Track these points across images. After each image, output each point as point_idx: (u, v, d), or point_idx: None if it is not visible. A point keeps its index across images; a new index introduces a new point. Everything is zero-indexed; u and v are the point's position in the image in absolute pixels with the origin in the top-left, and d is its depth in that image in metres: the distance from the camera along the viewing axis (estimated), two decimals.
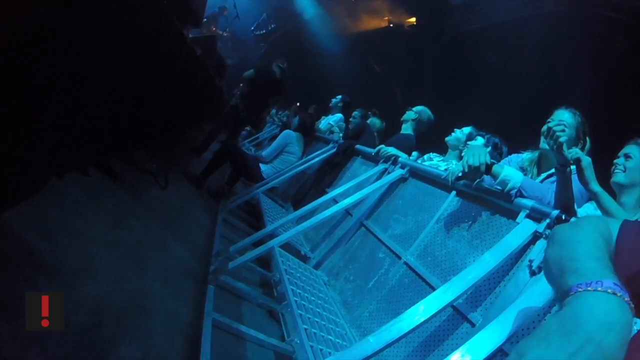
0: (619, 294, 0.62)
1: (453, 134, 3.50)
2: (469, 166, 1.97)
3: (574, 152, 1.70)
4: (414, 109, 4.30)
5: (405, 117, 4.32)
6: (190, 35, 3.95)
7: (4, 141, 1.54)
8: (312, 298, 2.48)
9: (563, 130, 1.67)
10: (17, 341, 1.36)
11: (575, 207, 1.78)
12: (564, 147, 1.67)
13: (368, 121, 5.52)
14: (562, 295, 0.69)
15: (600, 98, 4.92)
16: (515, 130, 2.66)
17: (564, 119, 2.08)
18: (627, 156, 2.00)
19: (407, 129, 4.27)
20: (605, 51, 5.47)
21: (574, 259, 0.73)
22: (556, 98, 2.26)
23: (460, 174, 2.06)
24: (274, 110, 8.90)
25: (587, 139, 2.16)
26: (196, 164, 5.25)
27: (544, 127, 1.80)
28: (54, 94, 1.83)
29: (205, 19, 6.86)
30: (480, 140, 3.17)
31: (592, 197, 1.78)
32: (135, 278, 2.20)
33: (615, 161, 2.04)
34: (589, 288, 0.64)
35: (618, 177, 1.98)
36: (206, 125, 6.59)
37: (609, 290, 0.63)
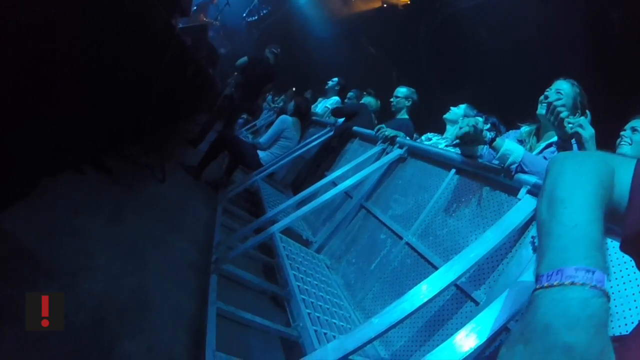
0: (579, 283, 0.55)
1: (450, 111, 3.46)
2: (464, 132, 1.94)
3: (576, 122, 1.66)
4: (399, 94, 4.27)
5: (396, 105, 4.29)
6: (180, 25, 3.88)
7: None
8: (315, 282, 2.47)
9: (563, 106, 1.63)
10: (20, 342, 1.36)
11: None
12: (565, 122, 1.63)
13: (364, 101, 5.46)
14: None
15: (597, 73, 4.85)
16: (512, 108, 2.61)
17: (562, 89, 2.06)
18: (633, 129, 1.98)
19: (403, 114, 4.24)
20: (600, 25, 5.37)
21: (564, 224, 0.63)
22: (553, 75, 2.21)
23: (457, 141, 2.02)
24: (269, 97, 8.80)
25: (588, 112, 2.11)
26: (193, 155, 5.21)
27: (542, 96, 1.75)
28: (44, 93, 1.78)
29: (194, 8, 6.73)
30: (478, 117, 3.12)
31: None
32: (136, 274, 2.19)
33: (621, 133, 2.01)
34: (546, 284, 0.58)
35: (624, 149, 1.95)
36: (201, 116, 6.53)
37: (567, 282, 0.56)
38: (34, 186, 2.07)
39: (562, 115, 1.62)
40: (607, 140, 2.00)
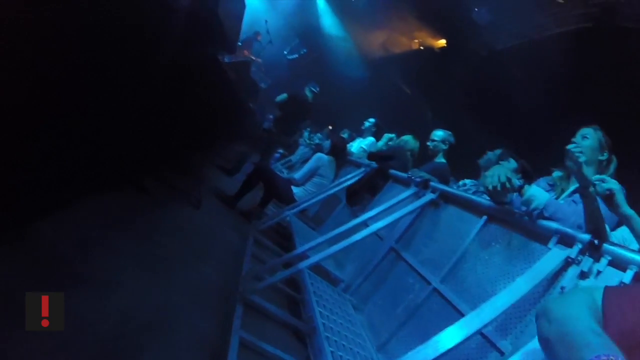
0: None
1: (485, 156, 3.51)
2: (487, 187, 2.01)
3: (602, 181, 1.69)
4: (436, 137, 4.35)
5: (433, 149, 4.37)
6: (226, 60, 4.21)
7: (44, 157, 1.72)
8: (340, 321, 2.51)
9: (581, 152, 1.68)
10: (42, 346, 1.44)
11: (608, 229, 1.76)
12: (583, 168, 1.67)
13: (402, 139, 5.55)
14: None
15: (632, 113, 4.79)
16: (547, 150, 2.67)
17: (587, 134, 2.19)
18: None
19: (439, 158, 4.32)
20: (636, 66, 5.33)
21: (581, 334, 0.80)
22: (588, 115, 2.30)
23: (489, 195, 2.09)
24: (306, 133, 9.09)
25: (614, 157, 2.16)
26: (228, 184, 5.43)
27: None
28: (93, 114, 2.02)
29: (239, 44, 7.20)
30: (512, 163, 3.16)
31: (624, 221, 1.76)
32: (163, 293, 2.28)
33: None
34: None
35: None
36: (238, 147, 6.83)
37: None
38: (77, 199, 2.26)
39: (580, 159, 1.67)
40: None
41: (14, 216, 1.72)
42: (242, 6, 4.24)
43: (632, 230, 1.75)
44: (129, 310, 1.93)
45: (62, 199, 2.15)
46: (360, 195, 4.48)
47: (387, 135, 6.20)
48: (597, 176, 1.74)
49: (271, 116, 7.07)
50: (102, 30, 1.75)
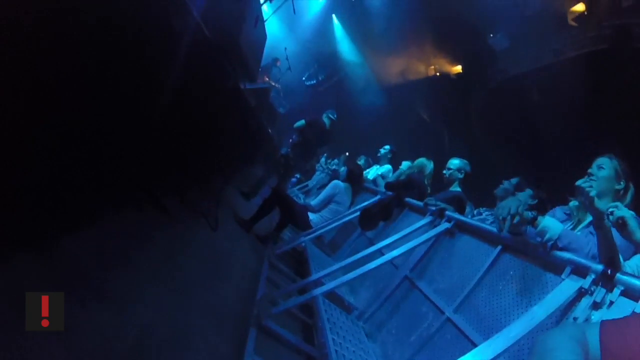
0: None
1: (501, 185, 3.53)
2: (500, 219, 2.04)
3: (613, 208, 1.71)
4: (452, 166, 4.39)
5: (449, 178, 4.41)
6: (247, 87, 4.38)
7: (70, 173, 1.84)
8: (353, 349, 2.52)
9: (591, 186, 1.71)
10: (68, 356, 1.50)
11: (622, 259, 1.77)
12: (595, 202, 1.70)
13: (418, 162, 5.58)
14: None
15: None
16: (564, 177, 2.69)
17: (603, 164, 2.21)
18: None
19: (455, 186, 4.34)
20: None
21: None
22: (606, 138, 2.34)
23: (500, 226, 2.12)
24: (323, 159, 9.24)
25: (631, 185, 2.17)
26: (245, 207, 5.54)
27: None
28: (121, 136, 2.15)
29: (259, 69, 7.46)
30: (528, 192, 3.17)
31: (638, 248, 1.77)
32: (179, 313, 2.35)
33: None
34: None
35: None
36: (256, 170, 6.99)
37: None
38: (98, 214, 2.36)
39: (591, 194, 1.69)
40: None
41: (38, 229, 1.80)
42: (264, 36, 4.44)
43: None
44: (146, 327, 1.99)
45: (85, 215, 2.24)
46: (375, 220, 4.52)
47: (405, 164, 6.22)
48: (611, 204, 1.76)
49: (290, 141, 7.24)
50: (136, 58, 1.90)
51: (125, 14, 1.62)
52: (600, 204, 1.71)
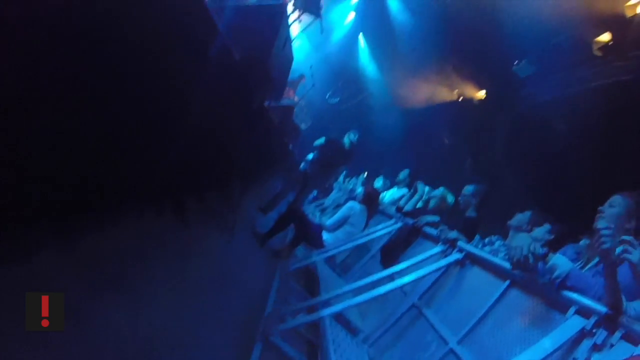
0: None
1: (515, 217, 3.56)
2: (514, 261, 2.11)
3: (626, 247, 1.74)
4: (467, 192, 4.45)
5: (464, 204, 4.47)
6: (273, 104, 4.56)
7: (96, 172, 1.97)
8: None
9: (609, 236, 1.73)
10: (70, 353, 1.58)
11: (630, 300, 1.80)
12: (609, 251, 1.73)
13: (436, 192, 5.61)
14: None
15: None
16: (587, 209, 2.74)
17: (615, 202, 2.26)
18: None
19: (470, 212, 4.39)
20: None
21: None
22: (629, 172, 2.38)
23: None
24: (341, 178, 9.35)
25: None
26: (262, 220, 5.65)
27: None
28: (153, 140, 2.30)
29: (285, 88, 7.66)
30: (546, 227, 3.20)
31: None
32: (191, 318, 2.44)
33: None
34: None
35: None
36: (275, 185, 7.13)
37: None
38: (122, 213, 2.47)
39: (605, 246, 1.73)
40: None
41: (63, 226, 1.92)
42: (291, 58, 4.62)
43: None
44: (158, 328, 2.10)
45: (108, 215, 2.36)
46: (395, 255, 4.57)
47: (423, 189, 6.20)
48: (624, 245, 1.75)
49: (309, 158, 7.37)
50: (171, 80, 2.05)
51: (161, 37, 1.76)
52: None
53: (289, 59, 4.60)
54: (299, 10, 4.68)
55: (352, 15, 12.82)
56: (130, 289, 2.14)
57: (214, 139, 3.06)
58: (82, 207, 2.05)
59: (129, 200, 2.52)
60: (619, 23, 6.17)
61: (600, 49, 6.70)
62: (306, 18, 5.11)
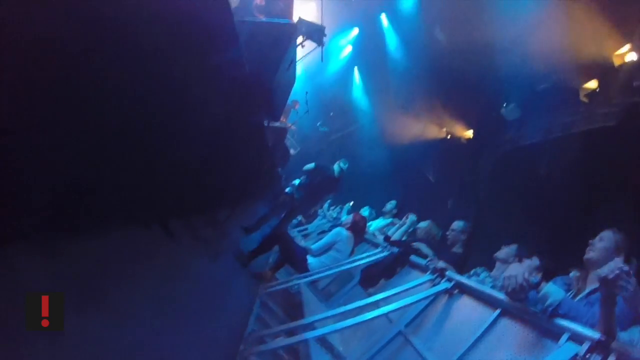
0: None
1: (501, 249, 3.62)
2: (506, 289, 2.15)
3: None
4: (456, 228, 4.52)
5: (452, 239, 4.53)
6: (269, 124, 4.60)
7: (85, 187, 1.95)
8: None
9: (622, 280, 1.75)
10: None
11: (619, 330, 1.84)
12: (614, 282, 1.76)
13: (422, 225, 5.66)
14: None
15: None
16: (567, 249, 2.82)
17: (604, 236, 2.37)
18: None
19: (457, 248, 4.45)
20: None
21: None
22: (609, 215, 2.48)
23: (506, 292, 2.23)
24: (326, 205, 9.39)
25: (634, 260, 2.27)
26: (245, 242, 5.60)
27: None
28: (143, 160, 2.29)
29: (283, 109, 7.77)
30: (535, 261, 3.26)
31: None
32: (170, 336, 2.41)
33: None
34: None
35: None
36: (261, 207, 7.11)
37: None
38: (106, 230, 2.44)
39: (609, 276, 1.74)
40: None
41: (47, 232, 1.88)
42: (293, 79, 4.72)
43: None
44: (138, 346, 2.05)
45: (94, 224, 2.33)
46: (377, 280, 4.56)
47: (413, 219, 6.25)
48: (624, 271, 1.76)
49: (295, 182, 7.40)
50: (171, 90, 2.06)
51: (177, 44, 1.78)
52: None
53: (292, 80, 4.68)
54: (303, 36, 4.81)
55: (349, 49, 13.22)
56: (113, 300, 2.11)
57: (207, 156, 3.05)
58: (68, 222, 2.03)
59: (113, 217, 2.50)
60: (606, 71, 6.50)
61: (586, 95, 7.02)
62: (308, 45, 5.25)
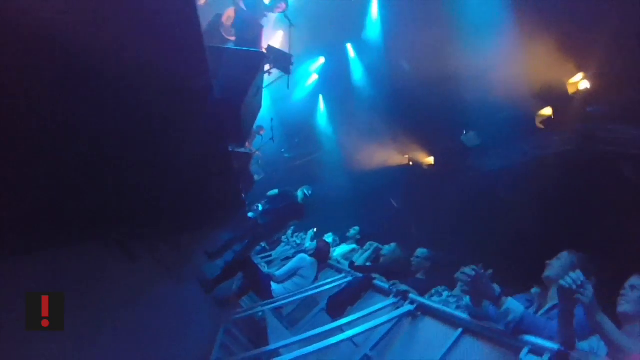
0: None
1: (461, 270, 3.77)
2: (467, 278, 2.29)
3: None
4: (420, 254, 4.67)
5: (416, 266, 4.67)
6: (235, 150, 4.63)
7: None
8: None
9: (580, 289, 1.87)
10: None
11: (579, 340, 1.97)
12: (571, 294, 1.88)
13: (386, 250, 5.78)
14: None
15: (609, 234, 5.20)
16: (526, 269, 2.99)
17: (560, 256, 2.55)
18: (632, 287, 2.19)
19: (421, 274, 4.58)
20: (613, 186, 5.89)
21: None
22: (567, 235, 2.64)
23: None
24: (290, 231, 9.39)
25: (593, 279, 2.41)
26: (209, 267, 5.52)
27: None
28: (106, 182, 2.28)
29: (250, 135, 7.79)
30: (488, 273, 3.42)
31: (596, 326, 1.94)
32: None
33: (621, 292, 2.23)
34: None
35: (624, 307, 2.15)
36: (224, 233, 7.03)
37: None
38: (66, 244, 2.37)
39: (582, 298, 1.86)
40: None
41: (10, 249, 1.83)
42: (260, 105, 4.80)
43: (603, 335, 1.91)
44: None
45: (44, 238, 2.25)
46: (344, 308, 4.58)
47: (375, 246, 6.35)
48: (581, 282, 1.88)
49: (259, 207, 7.39)
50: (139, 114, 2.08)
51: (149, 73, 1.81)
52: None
53: (258, 107, 4.76)
54: (270, 65, 4.94)
55: (314, 77, 13.52)
56: (70, 325, 2.04)
57: (176, 182, 3.05)
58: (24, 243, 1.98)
59: (70, 232, 2.44)
60: (560, 98, 6.93)
61: (542, 122, 7.45)
62: (274, 72, 5.38)
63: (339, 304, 4.66)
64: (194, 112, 2.38)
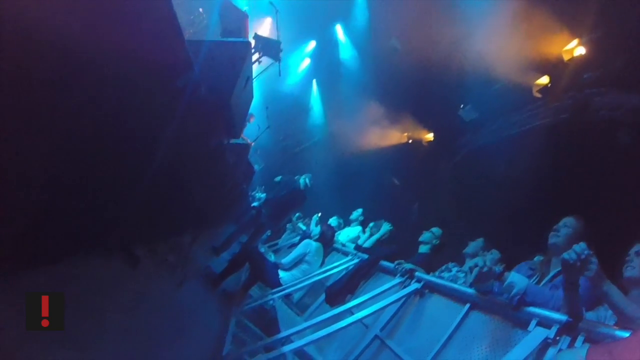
0: None
1: (469, 245, 3.76)
2: (476, 273, 2.23)
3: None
4: (435, 231, 4.62)
5: (424, 238, 4.62)
6: (230, 142, 4.58)
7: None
8: None
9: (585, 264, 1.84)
10: None
11: (586, 310, 1.95)
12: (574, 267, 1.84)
13: (384, 228, 5.77)
14: None
15: (604, 200, 5.20)
16: (528, 239, 2.96)
17: (568, 223, 2.49)
18: (637, 253, 2.16)
19: (424, 249, 4.55)
20: (607, 151, 5.87)
21: None
22: (566, 203, 2.61)
23: (472, 280, 2.31)
24: (294, 218, 9.39)
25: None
26: (215, 262, 5.51)
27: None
28: (102, 186, 2.24)
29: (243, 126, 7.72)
30: (495, 254, 3.41)
31: (603, 296, 1.91)
32: None
33: (626, 258, 2.20)
34: None
35: (630, 272, 2.11)
36: (228, 226, 7.02)
37: None
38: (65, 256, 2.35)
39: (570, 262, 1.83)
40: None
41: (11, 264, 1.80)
42: (251, 96, 4.73)
43: (610, 303, 1.90)
44: None
45: (51, 251, 2.23)
46: (343, 296, 4.54)
47: (387, 228, 6.33)
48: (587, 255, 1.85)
49: (261, 196, 7.36)
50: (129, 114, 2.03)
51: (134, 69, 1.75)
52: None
53: (249, 97, 4.69)
54: (259, 53, 4.86)
55: (307, 62, 13.33)
56: (74, 334, 2.01)
57: (171, 182, 3.00)
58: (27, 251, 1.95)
59: (72, 244, 2.41)
60: (556, 66, 6.84)
61: (539, 91, 7.37)
62: (265, 60, 5.30)
63: (337, 292, 4.64)
64: (181, 108, 2.33)
